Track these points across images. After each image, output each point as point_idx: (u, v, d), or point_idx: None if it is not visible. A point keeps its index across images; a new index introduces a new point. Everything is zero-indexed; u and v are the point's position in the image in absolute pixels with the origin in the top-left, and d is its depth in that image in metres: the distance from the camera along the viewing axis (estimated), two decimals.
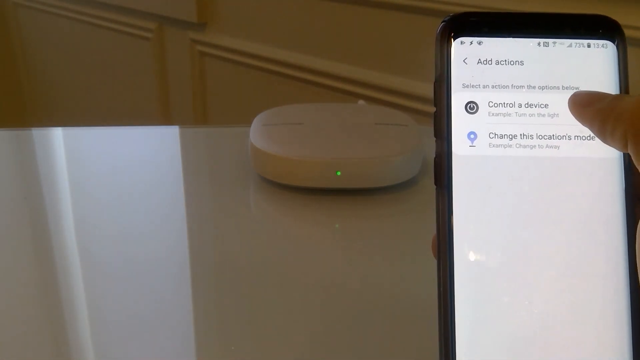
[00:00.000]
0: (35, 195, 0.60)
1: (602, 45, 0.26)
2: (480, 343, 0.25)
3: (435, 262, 0.26)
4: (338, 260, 0.50)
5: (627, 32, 0.26)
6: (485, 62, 0.26)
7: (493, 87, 0.26)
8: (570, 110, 0.26)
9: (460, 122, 0.26)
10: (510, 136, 0.26)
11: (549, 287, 0.25)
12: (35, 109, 2.22)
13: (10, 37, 2.15)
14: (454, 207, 0.26)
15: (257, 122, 0.63)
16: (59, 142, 0.73)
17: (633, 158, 0.23)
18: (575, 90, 0.26)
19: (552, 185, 0.26)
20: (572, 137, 0.26)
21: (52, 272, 0.48)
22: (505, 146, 0.26)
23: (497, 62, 0.26)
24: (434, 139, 0.27)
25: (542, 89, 0.26)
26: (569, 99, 0.26)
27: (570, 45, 0.26)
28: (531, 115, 0.26)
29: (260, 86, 1.43)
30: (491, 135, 0.26)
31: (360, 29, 1.22)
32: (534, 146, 0.26)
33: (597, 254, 0.25)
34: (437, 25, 0.27)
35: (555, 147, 0.26)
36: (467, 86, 0.26)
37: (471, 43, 0.26)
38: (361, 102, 0.85)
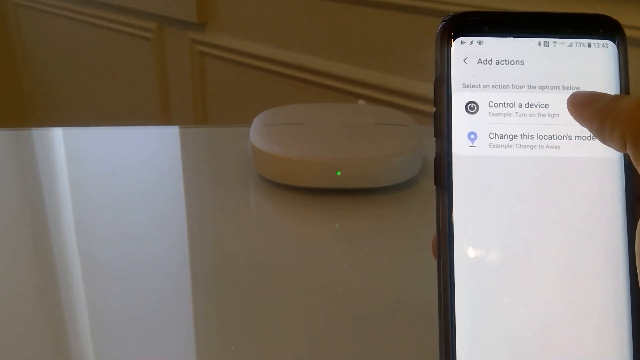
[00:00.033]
0: (35, 195, 0.60)
1: (603, 45, 0.26)
2: (481, 343, 0.25)
3: (435, 262, 0.26)
4: (338, 260, 0.50)
5: (628, 32, 0.26)
6: (485, 62, 0.26)
7: (493, 87, 0.26)
8: (569, 111, 0.26)
9: (460, 122, 0.26)
10: (511, 136, 0.26)
11: (549, 287, 0.25)
12: (35, 109, 2.22)
13: (10, 37, 2.15)
14: (454, 208, 0.26)
15: (257, 122, 0.63)
16: (59, 142, 0.73)
17: (632, 158, 0.23)
18: (575, 90, 0.26)
19: (553, 185, 0.26)
20: (573, 137, 0.26)
21: (52, 272, 0.48)
22: (505, 146, 0.26)
23: (498, 62, 0.26)
24: (434, 139, 0.26)
25: (543, 89, 0.26)
26: (568, 99, 0.26)
27: (571, 45, 0.26)
28: (531, 115, 0.26)
29: (260, 86, 1.43)
30: (491, 136, 0.26)
31: (360, 29, 1.22)
32: (535, 146, 0.26)
33: (597, 254, 0.25)
34: (437, 25, 0.27)
35: (556, 147, 0.26)
36: (467, 86, 0.26)
37: (471, 43, 0.26)
38: (361, 102, 0.85)
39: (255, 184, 0.61)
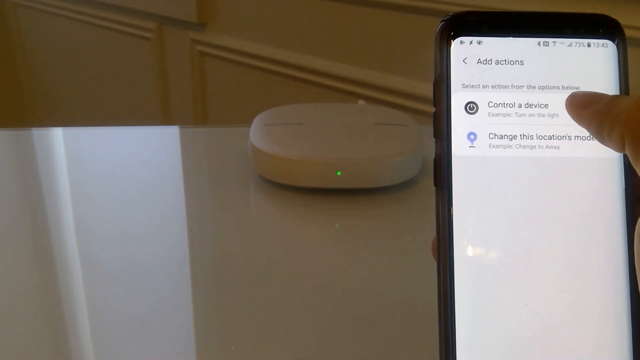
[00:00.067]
0: (35, 195, 0.60)
1: (602, 45, 0.26)
2: (481, 343, 0.25)
3: (435, 262, 0.26)
4: (338, 260, 0.50)
5: (627, 32, 0.26)
6: (485, 62, 0.26)
7: (493, 87, 0.26)
8: (568, 111, 0.26)
9: (459, 122, 0.26)
10: (510, 136, 0.26)
11: (548, 287, 0.25)
12: (35, 109, 2.22)
13: (10, 37, 2.15)
14: (453, 208, 0.26)
15: (257, 122, 0.63)
16: (59, 142, 0.73)
17: (630, 159, 0.23)
18: (574, 91, 0.26)
19: (552, 185, 0.26)
20: (572, 138, 0.26)
21: (52, 272, 0.48)
22: (505, 147, 0.26)
23: (497, 62, 0.26)
24: (434, 139, 0.26)
25: (542, 89, 0.26)
26: (566, 99, 0.26)
27: (571, 45, 0.26)
28: (531, 115, 0.26)
29: (260, 86, 1.43)
30: (491, 136, 0.26)
31: (360, 29, 1.22)
32: (534, 146, 0.26)
33: (597, 254, 0.25)
34: (437, 25, 0.27)
35: (555, 147, 0.26)
36: (466, 86, 0.26)
37: (471, 43, 0.26)
38: (361, 102, 0.85)
39: (255, 184, 0.61)
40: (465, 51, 0.26)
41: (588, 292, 0.25)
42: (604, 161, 0.26)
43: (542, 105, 0.26)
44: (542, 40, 0.26)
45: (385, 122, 0.64)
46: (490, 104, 0.26)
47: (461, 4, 1.01)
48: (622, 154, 0.26)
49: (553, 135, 0.26)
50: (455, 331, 0.25)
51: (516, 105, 0.26)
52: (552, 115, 0.26)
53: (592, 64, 0.26)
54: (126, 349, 0.40)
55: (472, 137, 0.26)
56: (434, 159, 0.26)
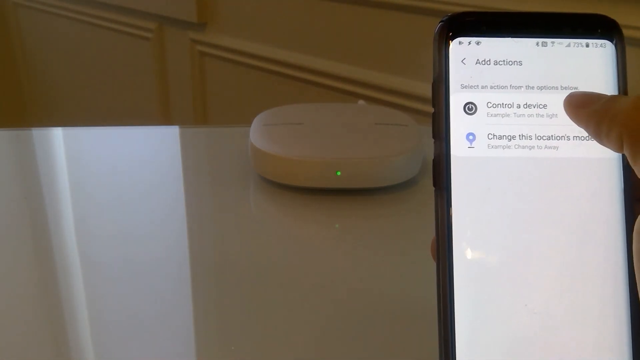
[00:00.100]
0: (35, 195, 0.60)
1: (601, 45, 0.26)
2: (480, 344, 0.25)
3: (434, 263, 0.26)
4: (338, 260, 0.50)
5: (627, 32, 0.26)
6: (483, 63, 0.26)
7: (491, 87, 0.26)
8: (566, 112, 0.26)
9: (458, 123, 0.26)
10: (509, 137, 0.26)
11: (548, 287, 0.25)
12: (35, 109, 2.22)
13: (10, 37, 2.15)
14: (453, 209, 0.26)
15: (257, 122, 0.63)
16: (59, 142, 0.73)
17: (629, 159, 0.23)
18: (572, 91, 0.26)
19: (551, 185, 0.26)
20: (571, 138, 0.26)
21: (52, 272, 0.48)
22: (504, 147, 0.26)
23: (496, 63, 0.26)
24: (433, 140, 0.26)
25: (541, 89, 0.26)
26: (564, 100, 0.26)
27: (569, 45, 0.26)
28: (530, 115, 0.26)
29: (260, 86, 1.43)
30: (490, 136, 0.26)
31: (360, 29, 1.22)
32: (533, 147, 0.26)
33: (596, 254, 0.25)
34: (436, 25, 0.27)
35: (554, 147, 0.26)
36: (465, 87, 0.26)
37: (469, 43, 0.26)
38: (361, 102, 0.85)
39: (255, 184, 0.61)
40: (463, 52, 0.26)
41: (587, 292, 0.25)
42: (602, 161, 0.26)
43: (540, 106, 0.26)
44: (540, 40, 0.26)
45: (385, 122, 0.64)
46: (489, 105, 0.26)
47: (461, 4, 1.01)
48: (620, 154, 0.26)
49: (552, 136, 0.26)
50: (454, 332, 0.25)
51: (515, 106, 0.26)
52: (550, 116, 0.26)
53: (591, 64, 0.26)
54: (126, 349, 0.40)
55: (471, 137, 0.26)
56: (433, 160, 0.26)
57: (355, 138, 0.61)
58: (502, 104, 0.26)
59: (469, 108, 0.26)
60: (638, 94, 0.23)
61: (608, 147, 0.24)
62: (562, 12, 0.26)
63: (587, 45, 0.26)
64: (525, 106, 0.26)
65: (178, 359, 0.39)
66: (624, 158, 0.26)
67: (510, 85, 0.26)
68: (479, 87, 0.26)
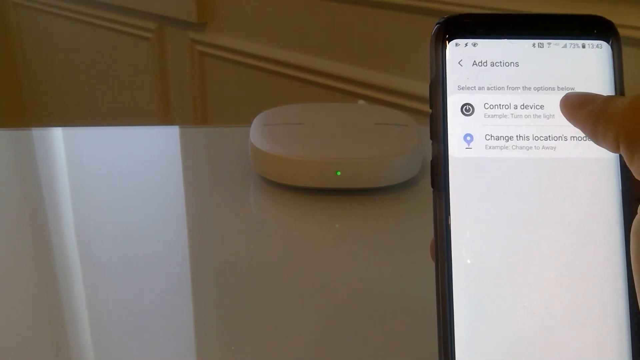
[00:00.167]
0: (35, 195, 0.60)
1: (597, 46, 0.26)
2: (480, 344, 0.25)
3: (433, 263, 0.26)
4: (338, 260, 0.50)
5: (627, 32, 0.26)
6: (480, 64, 0.26)
7: (488, 88, 0.26)
8: (562, 112, 0.26)
9: (456, 124, 0.26)
10: (507, 138, 0.26)
11: (546, 287, 0.25)
12: (35, 109, 2.22)
13: (10, 37, 2.15)
14: (451, 210, 0.26)
15: (257, 122, 0.63)
16: (59, 142, 0.73)
17: (625, 159, 0.23)
18: (569, 92, 0.26)
19: (549, 186, 0.26)
20: (569, 138, 0.26)
21: (52, 272, 0.48)
22: (501, 148, 0.26)
23: (493, 64, 0.26)
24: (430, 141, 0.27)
25: (538, 90, 0.26)
26: (561, 100, 0.26)
27: (565, 46, 0.26)
28: (527, 116, 0.26)
29: (260, 86, 1.43)
30: (487, 137, 0.26)
31: (360, 29, 1.22)
32: (530, 147, 0.26)
33: (595, 254, 0.25)
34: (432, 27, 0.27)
35: (552, 148, 0.26)
36: (462, 88, 0.26)
37: (466, 45, 0.26)
38: (361, 102, 0.85)
39: (255, 184, 0.61)
40: (460, 53, 0.26)
41: (586, 292, 0.25)
42: (600, 162, 0.26)
43: (537, 107, 0.26)
44: (537, 41, 0.26)
45: (385, 122, 0.64)
46: (486, 106, 0.26)
47: (461, 4, 1.01)
48: (618, 154, 0.26)
49: (549, 136, 0.26)
50: (454, 332, 0.25)
51: (512, 107, 0.26)
52: (547, 116, 0.26)
53: (587, 65, 0.26)
54: (126, 350, 0.40)
55: (468, 138, 0.26)
56: (431, 161, 0.26)
57: (355, 138, 0.61)
58: (500, 105, 0.26)
59: (467, 109, 0.26)
60: (634, 95, 0.24)
61: (604, 148, 0.24)
62: (559, 13, 0.26)
63: (584, 46, 0.26)
64: (522, 107, 0.26)
65: (178, 359, 0.40)
66: (621, 158, 0.26)
67: (507, 86, 0.26)
68: (476, 88, 0.26)
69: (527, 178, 0.26)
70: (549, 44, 0.26)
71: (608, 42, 0.26)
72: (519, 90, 0.26)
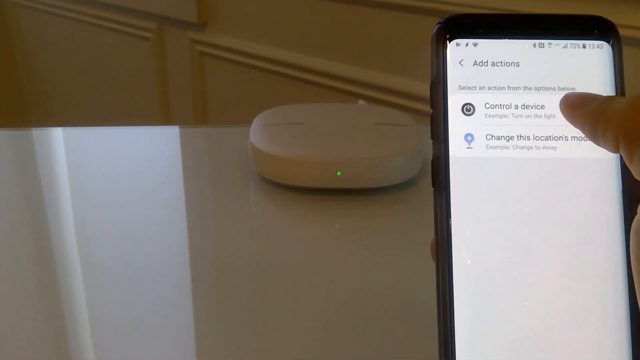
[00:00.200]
0: (35, 195, 0.60)
1: (598, 46, 0.26)
2: (480, 344, 0.25)
3: (434, 263, 0.26)
4: (338, 260, 0.50)
5: (627, 32, 0.26)
6: (481, 64, 0.26)
7: (489, 88, 0.26)
8: (562, 112, 0.26)
9: (456, 124, 0.26)
10: (507, 137, 0.26)
11: (547, 287, 0.25)
12: (35, 109, 2.22)
13: (10, 37, 2.15)
14: (451, 210, 0.26)
15: (257, 122, 0.63)
16: (59, 142, 0.73)
17: (625, 160, 0.23)
18: (569, 92, 0.26)
19: (550, 186, 0.26)
20: (569, 138, 0.26)
21: (52, 272, 0.48)
22: (502, 148, 0.26)
23: (493, 64, 0.26)
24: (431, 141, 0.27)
25: (538, 90, 0.26)
26: (560, 101, 0.26)
27: (566, 46, 0.26)
28: (528, 116, 0.26)
29: (260, 86, 1.43)
30: (488, 137, 0.26)
31: (360, 29, 1.22)
32: (531, 147, 0.26)
33: (595, 254, 0.25)
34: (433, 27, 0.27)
35: (552, 148, 0.26)
36: (463, 88, 0.26)
37: (467, 45, 0.26)
38: (361, 102, 0.85)
39: (255, 184, 0.61)
40: (461, 53, 0.26)
41: (586, 292, 0.25)
42: (600, 162, 0.26)
43: (538, 106, 0.26)
44: (537, 41, 0.26)
45: (385, 122, 0.64)
46: (487, 106, 0.26)
47: (461, 4, 1.01)
48: (618, 155, 0.26)
49: (550, 136, 0.26)
50: (454, 332, 0.25)
51: (513, 107, 0.26)
52: (548, 116, 0.26)
53: (588, 65, 0.26)
54: (126, 350, 0.40)
55: (469, 138, 0.26)
56: (432, 161, 0.26)
57: (355, 138, 0.61)
58: (500, 104, 0.26)
59: (467, 109, 0.26)
60: (634, 95, 0.24)
61: (604, 148, 0.24)
62: (559, 13, 0.26)
63: (584, 47, 0.26)
64: (523, 107, 0.26)
65: (178, 359, 0.40)
66: (621, 158, 0.26)
67: (508, 86, 0.26)
68: (477, 88, 0.26)
69: (528, 178, 0.26)
70: (550, 44, 0.26)
71: (609, 43, 0.26)
72: (520, 90, 0.26)
